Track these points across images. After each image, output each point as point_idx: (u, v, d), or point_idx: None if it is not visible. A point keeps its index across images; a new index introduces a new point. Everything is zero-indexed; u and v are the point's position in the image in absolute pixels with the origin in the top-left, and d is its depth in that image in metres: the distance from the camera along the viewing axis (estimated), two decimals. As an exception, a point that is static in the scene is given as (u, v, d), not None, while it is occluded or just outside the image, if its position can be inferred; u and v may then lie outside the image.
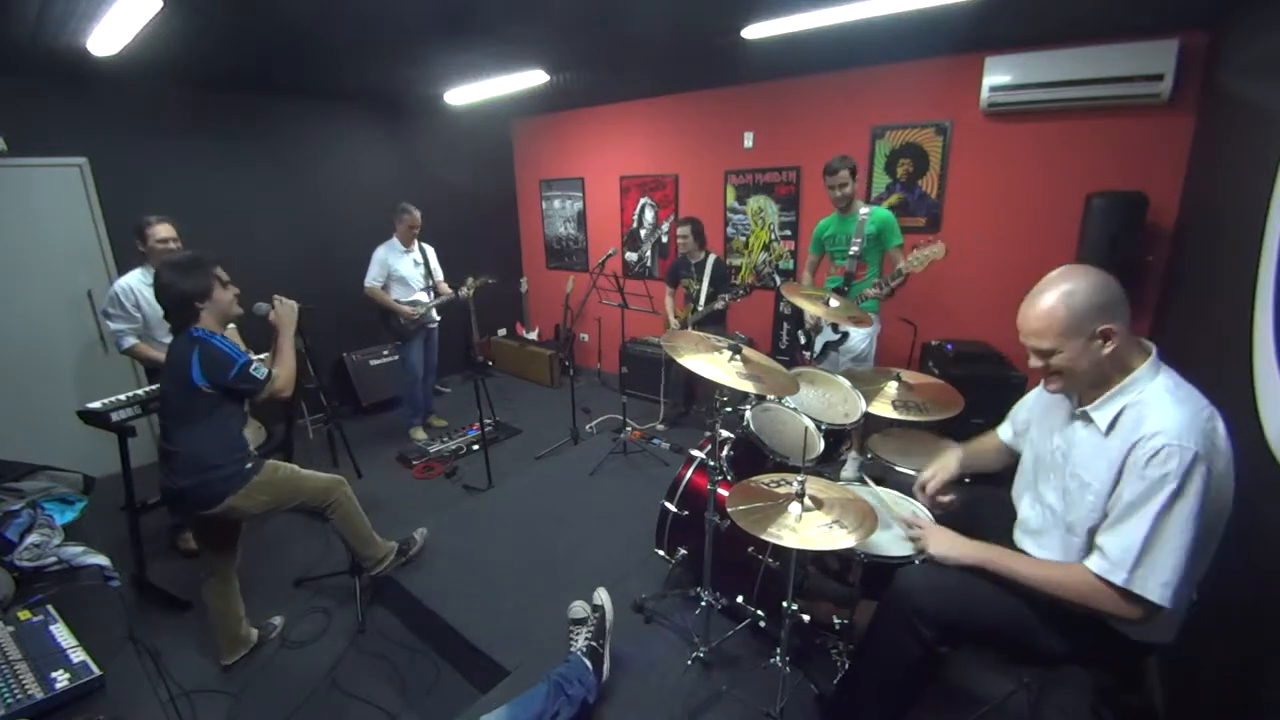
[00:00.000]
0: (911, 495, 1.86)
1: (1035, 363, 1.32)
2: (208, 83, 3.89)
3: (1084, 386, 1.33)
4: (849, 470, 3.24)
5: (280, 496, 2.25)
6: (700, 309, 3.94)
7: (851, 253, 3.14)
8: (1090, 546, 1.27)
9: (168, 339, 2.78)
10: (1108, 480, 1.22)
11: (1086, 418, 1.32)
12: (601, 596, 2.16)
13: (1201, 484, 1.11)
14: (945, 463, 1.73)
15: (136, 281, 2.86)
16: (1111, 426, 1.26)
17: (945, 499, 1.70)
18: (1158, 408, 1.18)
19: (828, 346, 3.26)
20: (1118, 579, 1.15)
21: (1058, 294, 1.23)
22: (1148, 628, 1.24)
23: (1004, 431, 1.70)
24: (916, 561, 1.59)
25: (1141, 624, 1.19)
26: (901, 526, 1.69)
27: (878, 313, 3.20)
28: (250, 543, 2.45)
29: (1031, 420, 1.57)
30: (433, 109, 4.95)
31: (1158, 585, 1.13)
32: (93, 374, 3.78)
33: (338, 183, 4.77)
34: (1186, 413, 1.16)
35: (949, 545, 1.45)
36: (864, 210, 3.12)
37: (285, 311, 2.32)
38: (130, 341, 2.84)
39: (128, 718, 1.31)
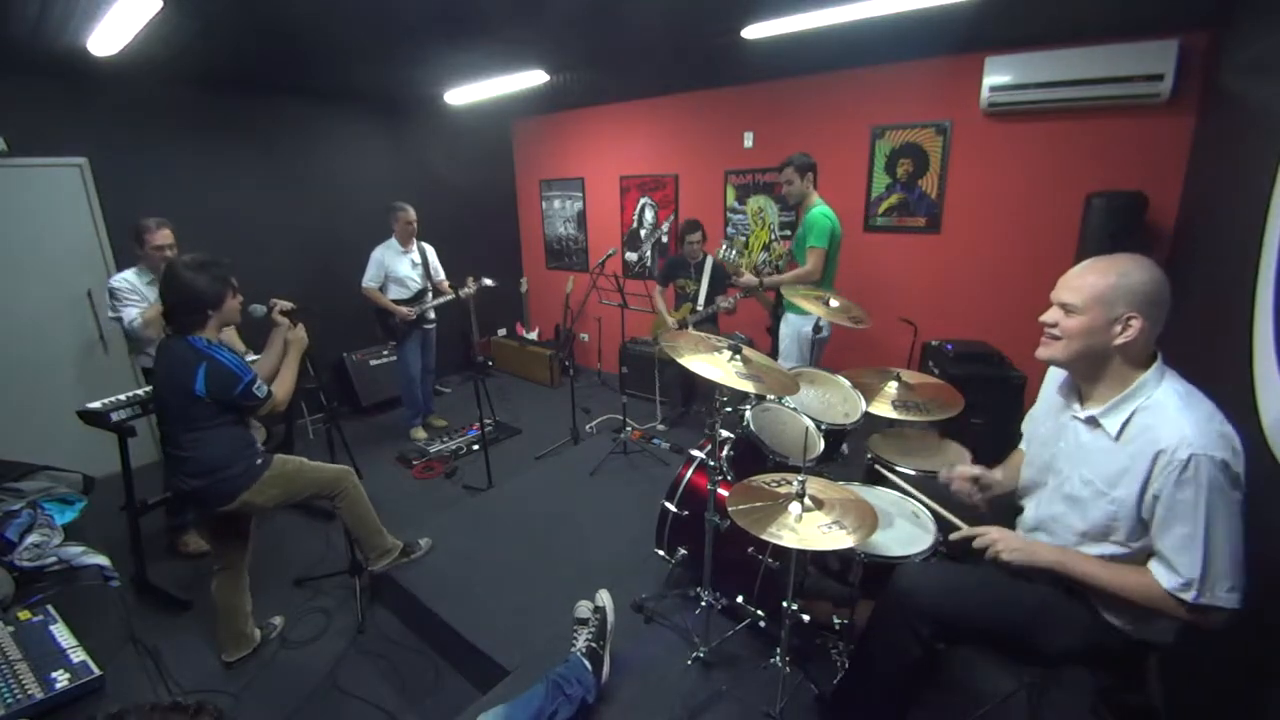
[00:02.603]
0: (910, 495, 1.86)
1: (1049, 317, 1.32)
2: (208, 83, 3.89)
3: (1079, 369, 1.33)
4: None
5: (291, 489, 2.28)
6: (701, 309, 3.93)
7: (783, 251, 3.23)
8: (1102, 552, 1.28)
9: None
10: (1133, 489, 1.21)
11: (1094, 422, 1.31)
12: (603, 598, 2.15)
13: (1233, 484, 1.14)
14: (980, 468, 1.67)
15: (131, 276, 2.85)
16: (1121, 432, 1.25)
17: (976, 499, 1.63)
18: (1173, 415, 1.18)
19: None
20: (1189, 597, 1.16)
21: (1117, 269, 1.24)
22: (1147, 627, 1.26)
23: (1025, 444, 1.67)
24: (915, 559, 1.59)
25: (1215, 628, 1.20)
26: (946, 515, 1.63)
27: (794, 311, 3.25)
28: (254, 542, 2.45)
29: (1034, 425, 1.57)
30: (433, 109, 4.95)
31: (1224, 592, 1.15)
32: (93, 374, 3.78)
33: (338, 183, 4.77)
34: (1201, 418, 1.16)
35: (1027, 550, 1.35)
36: (809, 205, 3.21)
37: (300, 335, 2.39)
38: (137, 317, 2.75)
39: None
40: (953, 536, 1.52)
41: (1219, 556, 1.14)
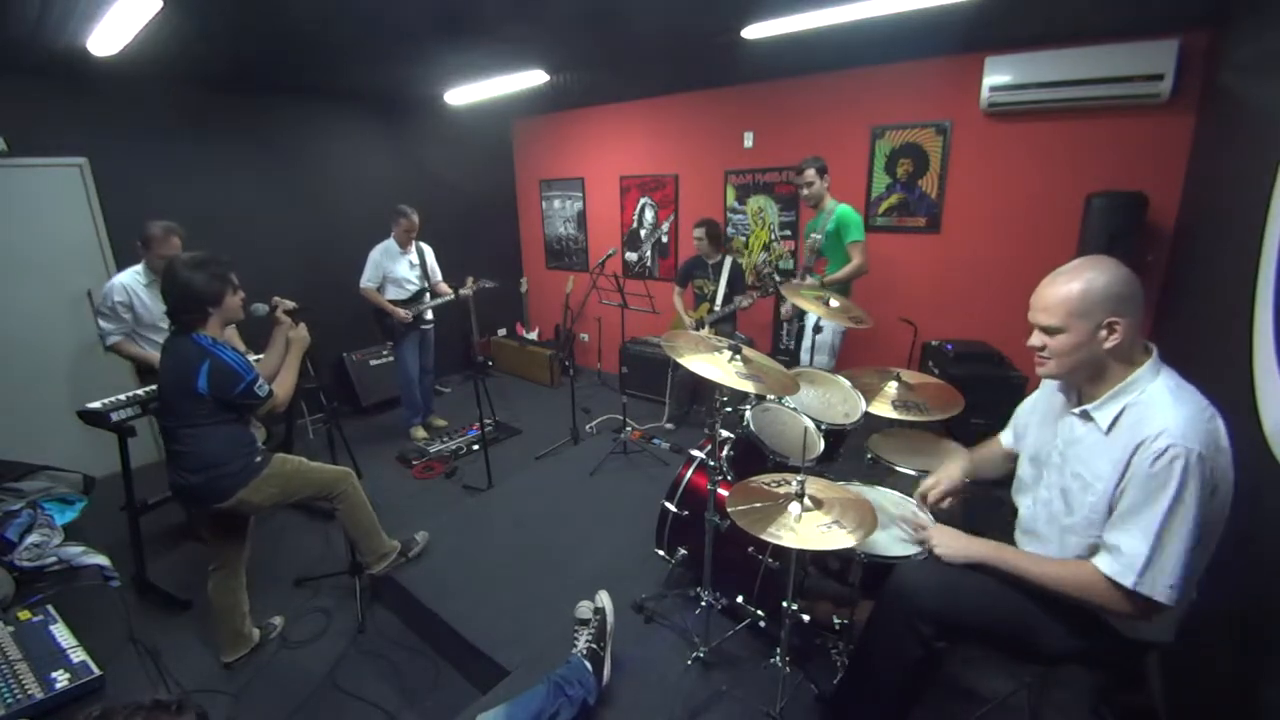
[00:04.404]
0: (910, 495, 1.86)
1: (1035, 341, 1.33)
2: (208, 83, 3.89)
3: (1078, 377, 1.34)
4: None
5: (289, 489, 2.27)
6: (718, 309, 3.93)
7: (811, 248, 3.28)
8: (1094, 545, 1.28)
9: (155, 337, 2.79)
10: (1111, 479, 1.22)
11: (1087, 416, 1.32)
12: (603, 599, 2.15)
13: (1201, 483, 1.12)
14: (949, 471, 1.71)
15: (131, 280, 2.84)
16: (1112, 425, 1.26)
17: (945, 504, 1.70)
18: (1160, 408, 1.19)
19: (800, 336, 3.35)
20: (1128, 581, 1.16)
21: (1081, 277, 1.24)
22: (1148, 626, 1.25)
23: (1006, 437, 1.69)
24: (915, 559, 1.59)
25: (1140, 621, 1.22)
26: (903, 527, 1.69)
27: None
28: (253, 542, 2.45)
29: (1030, 421, 1.57)
30: (433, 109, 4.95)
31: (1164, 587, 1.15)
32: (92, 374, 3.78)
33: (338, 183, 4.77)
34: (1188, 412, 1.16)
35: (955, 544, 1.46)
36: (829, 206, 3.27)
37: (302, 335, 2.39)
38: (114, 339, 2.86)
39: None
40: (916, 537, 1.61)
41: (1168, 550, 1.14)
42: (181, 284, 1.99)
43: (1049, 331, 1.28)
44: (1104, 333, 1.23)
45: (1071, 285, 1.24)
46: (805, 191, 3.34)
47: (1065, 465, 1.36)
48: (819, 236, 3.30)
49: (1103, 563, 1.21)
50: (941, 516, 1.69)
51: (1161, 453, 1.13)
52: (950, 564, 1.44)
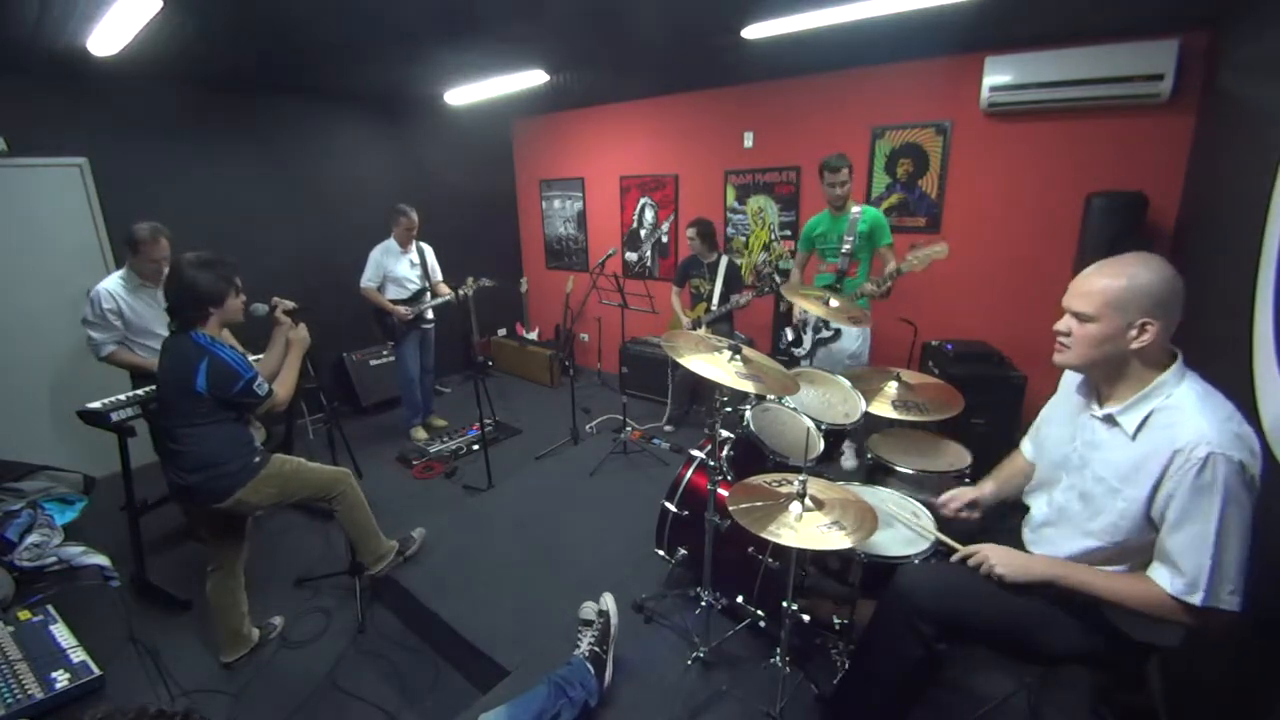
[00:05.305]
0: (911, 495, 1.86)
1: (1062, 325, 1.31)
2: (208, 83, 3.89)
3: (1095, 373, 1.32)
4: (848, 460, 3.25)
5: (287, 489, 2.27)
6: (714, 309, 3.93)
7: (844, 250, 3.19)
8: (1110, 548, 1.28)
9: (149, 342, 2.78)
10: (1144, 487, 1.20)
11: (1111, 420, 1.30)
12: (607, 602, 2.15)
13: (1248, 487, 1.12)
14: (980, 487, 1.67)
15: (115, 286, 2.76)
16: (1139, 430, 1.24)
17: (963, 515, 1.64)
18: (1191, 414, 1.17)
19: (818, 344, 3.26)
20: (1196, 600, 1.15)
21: (1126, 272, 1.23)
22: (1157, 629, 1.26)
23: (1026, 448, 1.67)
24: (915, 560, 1.59)
25: (1215, 632, 1.20)
26: (941, 538, 1.63)
27: (868, 309, 3.18)
28: (252, 542, 2.45)
29: (1045, 421, 1.56)
30: (433, 109, 4.96)
31: (1228, 595, 1.14)
32: (92, 374, 3.77)
33: (338, 183, 4.77)
34: (1220, 418, 1.15)
35: (1014, 562, 1.36)
36: (855, 209, 3.19)
37: (302, 335, 2.39)
38: (109, 349, 2.76)
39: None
40: (952, 559, 1.50)
41: (1227, 559, 1.13)
42: (187, 282, 1.99)
43: (1080, 318, 1.27)
44: (1134, 331, 1.21)
45: (1116, 278, 1.23)
46: (838, 191, 3.16)
47: (1086, 468, 1.34)
48: (853, 238, 3.14)
49: (1165, 580, 1.18)
50: (959, 531, 1.67)
51: (1204, 461, 1.12)
52: (1013, 583, 1.34)
